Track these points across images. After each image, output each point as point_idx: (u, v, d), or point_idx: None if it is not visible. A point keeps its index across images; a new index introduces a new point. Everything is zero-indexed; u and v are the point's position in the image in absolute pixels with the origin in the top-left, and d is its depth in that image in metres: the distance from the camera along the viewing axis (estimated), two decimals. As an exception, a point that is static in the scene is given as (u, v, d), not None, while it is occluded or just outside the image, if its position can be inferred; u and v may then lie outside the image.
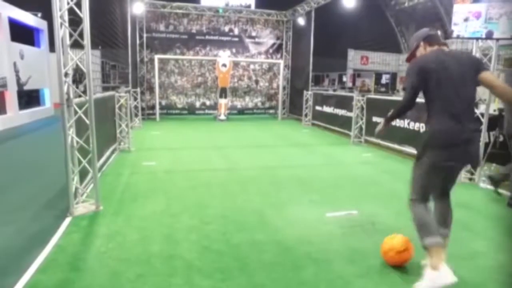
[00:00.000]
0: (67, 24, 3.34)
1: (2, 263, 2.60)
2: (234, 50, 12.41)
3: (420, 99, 2.37)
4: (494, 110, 5.01)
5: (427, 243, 2.26)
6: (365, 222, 3.46)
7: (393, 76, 19.70)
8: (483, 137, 4.83)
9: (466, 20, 4.49)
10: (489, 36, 4.43)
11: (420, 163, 2.39)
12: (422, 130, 5.97)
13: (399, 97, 6.02)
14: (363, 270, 2.61)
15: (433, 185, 2.43)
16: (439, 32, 2.56)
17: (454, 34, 4.66)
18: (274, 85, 13.11)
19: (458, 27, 4.56)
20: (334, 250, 2.88)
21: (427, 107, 2.40)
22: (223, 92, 11.83)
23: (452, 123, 2.26)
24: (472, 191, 4.60)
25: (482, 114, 4.81)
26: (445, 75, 2.29)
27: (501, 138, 4.87)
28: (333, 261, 2.71)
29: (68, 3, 3.32)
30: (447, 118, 2.27)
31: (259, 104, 13.19)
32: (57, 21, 3.20)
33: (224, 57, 11.78)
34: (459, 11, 4.54)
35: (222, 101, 11.82)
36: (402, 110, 2.49)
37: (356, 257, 2.79)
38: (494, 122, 4.93)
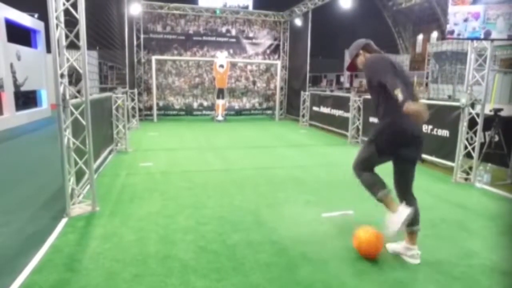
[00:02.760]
0: (63, 25, 3.34)
1: (-3, 264, 2.60)
2: (231, 51, 12.42)
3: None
4: (490, 111, 5.04)
5: (380, 196, 2.67)
6: (361, 222, 3.45)
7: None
8: (479, 137, 4.86)
9: (465, 20, 4.52)
10: (487, 36, 4.46)
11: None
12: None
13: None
14: (358, 270, 2.62)
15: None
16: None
17: (455, 34, 4.69)
18: (272, 86, 13.13)
19: (459, 27, 4.59)
20: (329, 250, 2.89)
21: (388, 103, 2.43)
22: (220, 93, 11.83)
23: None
24: (468, 191, 4.62)
25: (478, 115, 4.84)
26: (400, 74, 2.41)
27: (496, 138, 4.90)
28: (328, 261, 2.73)
29: (63, 4, 3.32)
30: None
31: (257, 105, 13.20)
32: (52, 22, 3.20)
33: (221, 58, 11.78)
34: (459, 12, 4.57)
35: (220, 102, 11.82)
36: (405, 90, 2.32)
37: (352, 257, 2.80)
38: (490, 122, 4.96)
